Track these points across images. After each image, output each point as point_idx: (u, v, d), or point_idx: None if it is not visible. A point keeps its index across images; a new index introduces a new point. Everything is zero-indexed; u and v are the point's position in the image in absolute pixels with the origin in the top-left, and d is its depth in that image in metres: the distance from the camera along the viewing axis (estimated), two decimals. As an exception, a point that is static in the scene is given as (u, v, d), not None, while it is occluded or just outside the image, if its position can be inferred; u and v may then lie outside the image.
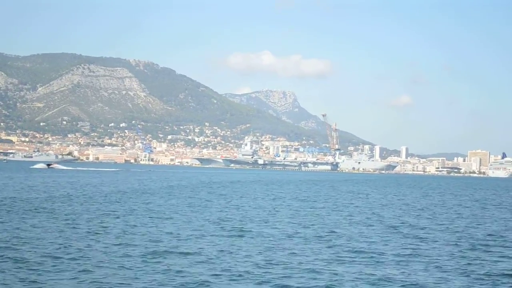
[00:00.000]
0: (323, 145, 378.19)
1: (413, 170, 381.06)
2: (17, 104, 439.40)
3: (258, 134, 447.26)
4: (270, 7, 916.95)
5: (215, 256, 19.14)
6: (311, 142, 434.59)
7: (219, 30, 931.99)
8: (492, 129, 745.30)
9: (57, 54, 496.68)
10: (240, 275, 16.33)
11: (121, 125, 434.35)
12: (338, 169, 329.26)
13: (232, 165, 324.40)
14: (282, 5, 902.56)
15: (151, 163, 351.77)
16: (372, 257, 20.20)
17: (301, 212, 38.53)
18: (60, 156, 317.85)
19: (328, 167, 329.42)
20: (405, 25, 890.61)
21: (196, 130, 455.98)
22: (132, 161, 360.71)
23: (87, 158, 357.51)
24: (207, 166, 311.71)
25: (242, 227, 27.57)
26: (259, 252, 20.21)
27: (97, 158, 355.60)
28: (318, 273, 17.06)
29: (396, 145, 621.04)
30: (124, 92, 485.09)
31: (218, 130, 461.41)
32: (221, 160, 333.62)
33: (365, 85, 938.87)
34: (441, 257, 20.79)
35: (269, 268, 17.44)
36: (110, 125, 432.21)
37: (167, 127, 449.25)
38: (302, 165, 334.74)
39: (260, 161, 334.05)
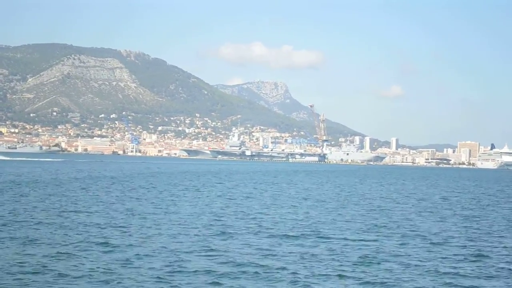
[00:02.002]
0: (314, 136, 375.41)
1: (403, 162, 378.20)
2: (7, 95, 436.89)
3: (248, 125, 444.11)
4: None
5: None
6: (302, 133, 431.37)
7: (210, 21, 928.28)
8: (483, 119, 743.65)
9: (48, 45, 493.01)
10: None
11: (111, 116, 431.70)
12: (326, 160, 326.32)
13: (220, 156, 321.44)
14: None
15: (139, 154, 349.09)
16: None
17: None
18: (45, 147, 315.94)
19: (316, 159, 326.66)
20: (396, 15, 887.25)
21: (187, 121, 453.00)
22: (120, 152, 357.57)
23: (76, 150, 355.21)
24: (195, 157, 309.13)
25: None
26: None
27: (86, 150, 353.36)
28: None
29: (387, 136, 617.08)
30: (114, 83, 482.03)
31: (208, 121, 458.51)
32: (208, 152, 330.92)
33: (356, 75, 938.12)
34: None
35: None
36: (100, 116, 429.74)
37: (157, 118, 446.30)
38: (289, 157, 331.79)
39: (248, 153, 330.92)
